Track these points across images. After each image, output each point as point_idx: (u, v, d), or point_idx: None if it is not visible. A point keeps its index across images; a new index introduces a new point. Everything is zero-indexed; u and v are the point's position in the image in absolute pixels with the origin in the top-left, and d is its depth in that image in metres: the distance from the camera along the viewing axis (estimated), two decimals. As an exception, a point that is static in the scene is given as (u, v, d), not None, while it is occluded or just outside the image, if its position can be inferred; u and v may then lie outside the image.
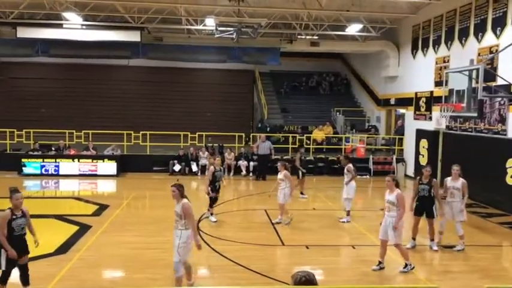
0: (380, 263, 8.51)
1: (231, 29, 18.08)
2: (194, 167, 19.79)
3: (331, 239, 10.69)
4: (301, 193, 15.45)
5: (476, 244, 10.24)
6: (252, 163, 19.90)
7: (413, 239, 9.99)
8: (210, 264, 8.82)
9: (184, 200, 7.04)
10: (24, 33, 20.74)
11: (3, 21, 20.69)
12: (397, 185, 8.50)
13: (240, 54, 22.90)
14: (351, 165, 12.34)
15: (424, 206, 9.80)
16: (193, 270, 7.51)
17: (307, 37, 23.04)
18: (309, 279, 3.62)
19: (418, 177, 10.12)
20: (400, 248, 8.40)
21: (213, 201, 12.06)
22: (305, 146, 21.41)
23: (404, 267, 8.37)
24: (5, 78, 28.69)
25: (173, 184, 7.13)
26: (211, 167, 12.09)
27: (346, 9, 18.98)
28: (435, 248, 9.75)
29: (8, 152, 20.05)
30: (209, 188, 11.73)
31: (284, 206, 11.78)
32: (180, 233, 6.98)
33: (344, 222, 12.00)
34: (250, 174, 19.79)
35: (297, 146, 19.00)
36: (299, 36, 23.15)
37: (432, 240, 9.88)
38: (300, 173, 15.57)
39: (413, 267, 8.37)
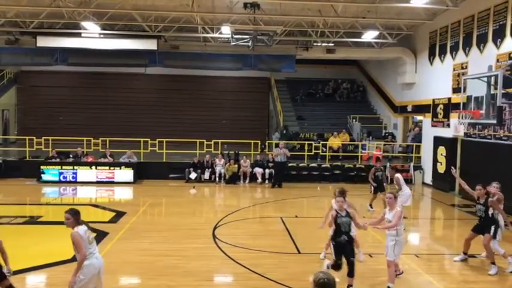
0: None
1: (247, 36, 18.15)
2: (207, 175, 19.80)
3: (347, 247, 10.57)
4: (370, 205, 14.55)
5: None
6: (267, 170, 19.87)
7: (465, 253, 9.58)
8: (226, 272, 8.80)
9: (76, 229, 5.98)
10: (43, 42, 21.11)
11: (23, 31, 21.11)
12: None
13: (255, 62, 22.97)
14: (398, 175, 12.70)
15: (483, 226, 9.22)
16: None
17: (323, 44, 23.01)
18: (327, 283, 3.66)
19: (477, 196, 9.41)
20: (391, 268, 7.77)
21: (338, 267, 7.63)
22: (321, 153, 21.42)
23: None
24: (24, 87, 29.25)
25: (67, 210, 6.09)
26: (332, 212, 7.98)
27: (362, 16, 18.89)
28: (493, 271, 8.88)
29: (28, 159, 20.35)
30: (331, 246, 8.00)
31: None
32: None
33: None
34: (266, 181, 19.75)
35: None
36: (315, 44, 23.13)
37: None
38: (372, 188, 14.79)
39: None
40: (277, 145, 20.29)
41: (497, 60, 15.31)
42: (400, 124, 24.78)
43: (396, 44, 22.10)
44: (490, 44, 15.93)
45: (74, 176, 19.03)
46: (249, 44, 18.82)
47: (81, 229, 6.01)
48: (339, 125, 25.05)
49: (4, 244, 6.59)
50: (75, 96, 28.98)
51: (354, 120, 26.04)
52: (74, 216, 6.04)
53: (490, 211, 9.03)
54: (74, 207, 6.25)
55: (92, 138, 21.78)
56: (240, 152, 21.29)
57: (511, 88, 13.64)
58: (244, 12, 17.80)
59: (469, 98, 15.00)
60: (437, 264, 9.46)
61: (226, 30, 19.64)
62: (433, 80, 20.36)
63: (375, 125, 26.14)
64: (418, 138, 21.53)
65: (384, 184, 14.42)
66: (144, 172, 19.76)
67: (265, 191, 18.46)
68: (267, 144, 24.55)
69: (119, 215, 13.28)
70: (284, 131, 24.52)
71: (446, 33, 19.01)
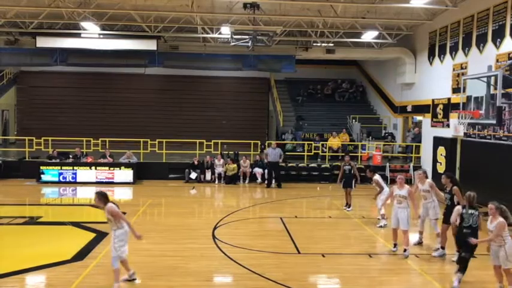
0: (396, 245, 9.96)
1: (247, 37, 18.13)
2: (208, 176, 19.78)
3: (347, 248, 10.59)
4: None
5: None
6: (267, 170, 19.84)
7: (442, 248, 9.83)
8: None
9: (109, 204, 7.61)
10: (43, 42, 21.08)
11: (23, 31, 21.11)
12: (406, 183, 10.21)
13: (255, 62, 22.97)
14: (377, 176, 12.79)
15: (449, 214, 9.39)
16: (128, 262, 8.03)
17: (323, 44, 23.01)
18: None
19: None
20: (407, 235, 9.67)
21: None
22: (321, 153, 21.46)
23: (404, 251, 9.65)
24: (24, 87, 29.25)
25: (96, 191, 7.83)
26: (458, 207, 8.50)
27: (361, 17, 18.90)
28: (437, 253, 9.95)
29: (27, 159, 20.33)
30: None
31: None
32: (114, 232, 7.72)
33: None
34: (266, 181, 19.72)
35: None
36: (314, 44, 23.13)
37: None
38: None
39: (408, 256, 9.58)
40: (269, 145, 20.29)
41: (497, 60, 15.31)
42: (399, 124, 24.79)
43: (396, 44, 22.11)
44: (489, 44, 15.93)
45: (74, 176, 19.01)
46: (249, 44, 18.81)
47: (112, 205, 7.65)
48: (338, 125, 25.02)
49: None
50: (75, 97, 28.97)
51: (354, 120, 26.02)
52: (100, 198, 7.63)
53: (455, 199, 9.60)
54: (103, 191, 7.89)
55: (91, 139, 21.77)
56: (239, 152, 21.28)
57: (511, 88, 13.64)
58: (243, 12, 17.80)
59: (468, 98, 15.00)
60: (438, 264, 9.44)
61: (225, 31, 19.63)
62: (432, 80, 20.36)
63: (374, 125, 26.13)
64: (417, 138, 21.53)
65: (353, 180, 14.37)
66: (143, 172, 19.74)
67: (264, 191, 18.45)
68: (266, 144, 24.54)
69: (119, 215, 13.24)
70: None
71: (446, 33, 19.02)
